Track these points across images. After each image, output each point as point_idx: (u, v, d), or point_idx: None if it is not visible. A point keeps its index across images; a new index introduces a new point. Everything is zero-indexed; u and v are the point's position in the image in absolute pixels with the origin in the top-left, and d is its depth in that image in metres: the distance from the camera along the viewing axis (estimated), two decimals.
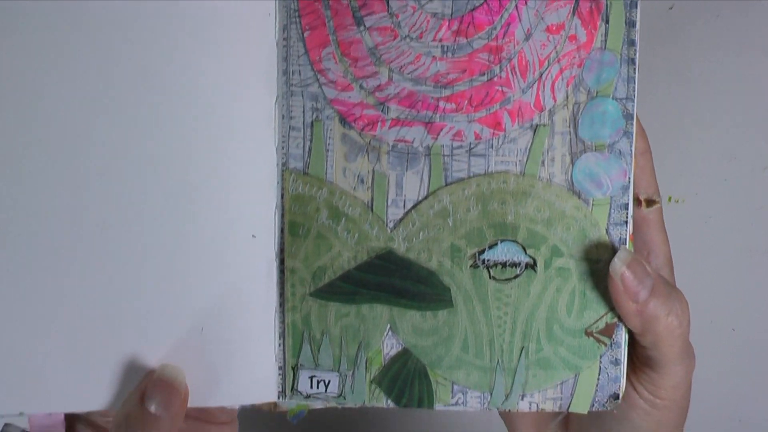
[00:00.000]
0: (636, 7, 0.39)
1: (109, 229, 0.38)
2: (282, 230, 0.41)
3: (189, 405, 0.39)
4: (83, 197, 0.38)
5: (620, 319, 0.40)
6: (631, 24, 0.39)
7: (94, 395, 0.39)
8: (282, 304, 0.41)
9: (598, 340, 0.40)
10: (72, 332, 0.38)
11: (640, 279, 0.39)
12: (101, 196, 0.38)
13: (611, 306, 0.40)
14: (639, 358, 0.41)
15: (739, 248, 0.66)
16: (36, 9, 0.37)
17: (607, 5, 0.39)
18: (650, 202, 0.42)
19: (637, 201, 0.42)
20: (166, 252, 0.39)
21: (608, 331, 0.40)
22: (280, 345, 0.41)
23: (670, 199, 0.64)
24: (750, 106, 0.64)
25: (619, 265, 0.39)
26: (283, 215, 0.41)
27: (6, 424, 0.43)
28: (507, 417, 0.48)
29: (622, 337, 0.40)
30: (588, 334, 0.40)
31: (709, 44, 0.63)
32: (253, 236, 0.40)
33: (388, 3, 0.39)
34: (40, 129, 0.38)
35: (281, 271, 0.41)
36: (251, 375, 0.41)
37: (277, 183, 0.41)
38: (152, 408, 0.37)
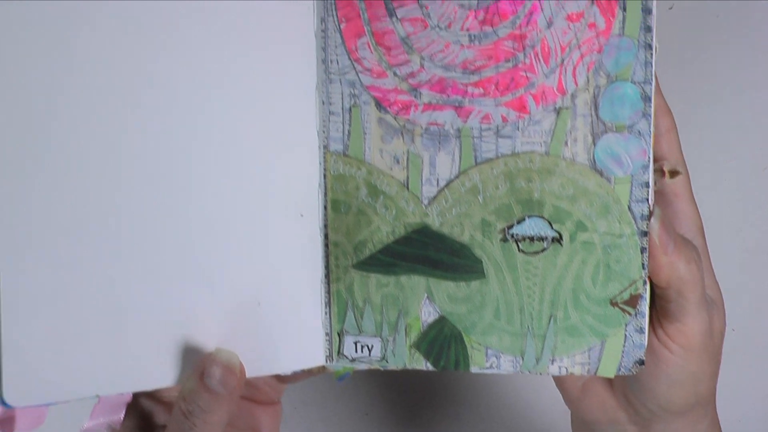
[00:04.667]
0: None
1: (172, 214, 0.48)
2: (325, 207, 0.51)
3: (247, 375, 0.50)
4: (146, 186, 0.47)
5: (648, 280, 0.49)
6: (647, 11, 0.47)
7: (161, 373, 0.48)
8: (327, 275, 0.52)
9: (623, 310, 0.49)
10: (139, 315, 0.46)
11: (669, 234, 0.48)
12: (164, 184, 0.47)
13: (635, 278, 0.49)
14: (665, 316, 0.49)
15: (739, 248, 0.72)
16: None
17: None
18: (673, 173, 0.51)
19: (661, 172, 0.51)
20: (224, 234, 0.48)
21: (632, 302, 0.49)
22: (326, 313, 0.52)
23: None
24: (750, 106, 0.69)
25: (656, 224, 0.48)
26: (325, 193, 0.51)
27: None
28: (557, 379, 0.58)
29: (646, 307, 0.49)
30: (613, 304, 0.50)
31: (709, 44, 0.69)
32: (301, 215, 0.51)
33: None
34: (96, 128, 0.48)
35: (326, 245, 0.52)
36: (301, 342, 0.51)
37: (320, 164, 0.51)
38: (212, 385, 0.49)
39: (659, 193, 0.49)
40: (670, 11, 0.68)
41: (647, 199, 0.46)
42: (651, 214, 0.46)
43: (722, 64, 0.70)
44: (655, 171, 0.49)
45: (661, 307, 0.49)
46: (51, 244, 0.45)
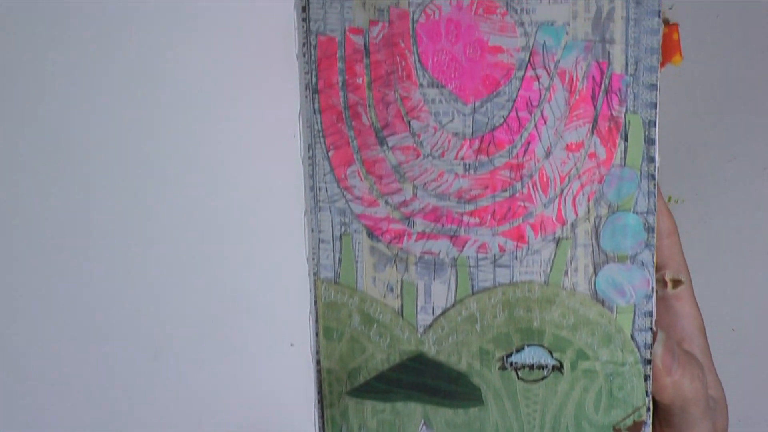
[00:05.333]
0: (655, 126, 0.45)
1: (160, 356, 0.48)
2: (317, 334, 0.50)
3: None
4: (137, 331, 0.47)
5: (652, 402, 0.48)
6: (650, 142, 0.46)
7: None
8: (320, 400, 0.51)
9: None
10: None
11: (672, 355, 0.48)
12: (154, 326, 0.47)
13: (638, 405, 0.48)
14: (669, 426, 0.48)
15: (739, 248, 0.72)
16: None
17: (626, 124, 0.46)
18: (676, 283, 0.50)
19: (663, 282, 0.50)
20: (214, 366, 0.48)
21: (636, 429, 0.48)
22: None
23: (669, 199, 0.71)
24: (750, 106, 0.69)
25: (659, 348, 0.48)
26: (317, 321, 0.50)
27: None
28: None
29: None
30: (616, 430, 0.49)
31: (710, 44, 0.69)
32: (292, 344, 0.50)
33: (409, 123, 0.47)
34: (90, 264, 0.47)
35: (318, 371, 0.50)
36: None
37: (310, 291, 0.50)
38: None
39: (660, 299, 0.48)
40: (670, 11, 0.67)
41: (651, 328, 0.45)
42: (654, 337, 0.46)
43: (722, 64, 0.70)
44: (657, 281, 0.48)
45: (664, 419, 0.48)
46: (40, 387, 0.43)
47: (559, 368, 0.47)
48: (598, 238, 0.45)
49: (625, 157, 0.44)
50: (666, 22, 0.44)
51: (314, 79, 0.45)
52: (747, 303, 0.73)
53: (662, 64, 0.44)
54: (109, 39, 0.44)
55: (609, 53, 0.43)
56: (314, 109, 0.46)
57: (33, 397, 0.45)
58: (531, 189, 0.45)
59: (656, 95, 0.43)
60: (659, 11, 0.43)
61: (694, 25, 0.67)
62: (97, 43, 0.44)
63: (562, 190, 0.45)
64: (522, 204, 0.45)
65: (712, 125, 0.71)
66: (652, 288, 0.45)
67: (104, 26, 0.44)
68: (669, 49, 0.44)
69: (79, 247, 0.45)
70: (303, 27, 0.45)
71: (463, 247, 0.46)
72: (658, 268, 0.48)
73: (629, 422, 0.47)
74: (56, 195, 0.44)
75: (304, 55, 0.45)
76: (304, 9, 0.45)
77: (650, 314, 0.45)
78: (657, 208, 0.46)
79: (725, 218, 0.72)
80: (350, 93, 0.45)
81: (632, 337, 0.46)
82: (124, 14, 0.44)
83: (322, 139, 0.46)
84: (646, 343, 0.46)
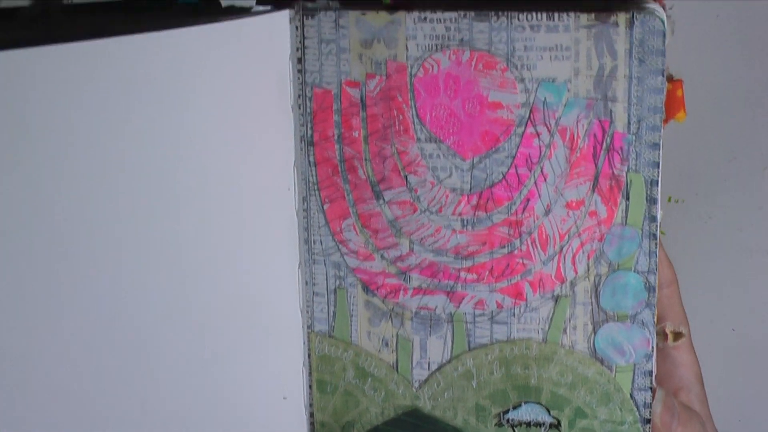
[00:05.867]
0: (657, 185, 0.45)
1: (147, 408, 0.47)
2: (310, 387, 0.49)
3: None
4: (123, 381, 0.46)
5: None
6: (651, 201, 0.45)
7: None
8: None
9: None
10: None
11: (671, 413, 0.47)
12: (140, 377, 0.47)
13: None
14: None
15: (739, 248, 0.71)
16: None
17: (627, 183, 0.45)
18: (677, 336, 0.50)
19: (664, 335, 0.50)
20: (206, 420, 0.47)
21: None
22: None
23: (669, 199, 0.70)
24: (750, 106, 0.69)
25: (658, 407, 0.47)
26: (310, 373, 0.49)
27: None
28: None
29: None
30: None
31: (709, 44, 0.68)
32: (285, 398, 0.49)
33: (406, 178, 0.46)
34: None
35: (311, 424, 0.50)
36: None
37: (304, 344, 0.49)
38: None
39: (659, 349, 0.48)
40: (671, 11, 0.66)
41: (650, 387, 0.45)
42: (653, 395, 0.45)
43: (722, 64, 0.69)
44: (657, 334, 0.47)
45: None
46: None
47: (556, 426, 0.46)
48: (597, 297, 0.44)
49: (626, 216, 0.43)
50: (670, 79, 0.43)
51: (310, 132, 0.45)
52: (747, 303, 0.73)
53: (665, 122, 0.43)
54: (109, 92, 0.43)
55: (611, 111, 0.43)
56: (309, 162, 0.45)
57: None
58: (530, 246, 0.44)
59: (659, 154, 0.43)
60: (663, 69, 0.42)
61: (694, 25, 0.66)
62: (98, 93, 0.43)
63: (561, 248, 0.44)
64: (521, 261, 0.44)
65: (712, 125, 0.70)
66: (652, 347, 0.45)
67: (103, 77, 0.43)
68: (673, 106, 0.43)
69: (64, 292, 0.44)
70: (299, 78, 0.44)
71: (460, 303, 0.45)
72: (658, 319, 0.48)
73: None
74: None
75: (299, 107, 0.45)
76: (300, 60, 0.44)
77: (650, 373, 0.45)
78: (658, 257, 0.45)
79: (725, 218, 0.72)
80: (346, 146, 0.44)
81: (631, 396, 0.45)
82: (120, 65, 0.43)
83: (317, 192, 0.45)
84: (645, 402, 0.45)
